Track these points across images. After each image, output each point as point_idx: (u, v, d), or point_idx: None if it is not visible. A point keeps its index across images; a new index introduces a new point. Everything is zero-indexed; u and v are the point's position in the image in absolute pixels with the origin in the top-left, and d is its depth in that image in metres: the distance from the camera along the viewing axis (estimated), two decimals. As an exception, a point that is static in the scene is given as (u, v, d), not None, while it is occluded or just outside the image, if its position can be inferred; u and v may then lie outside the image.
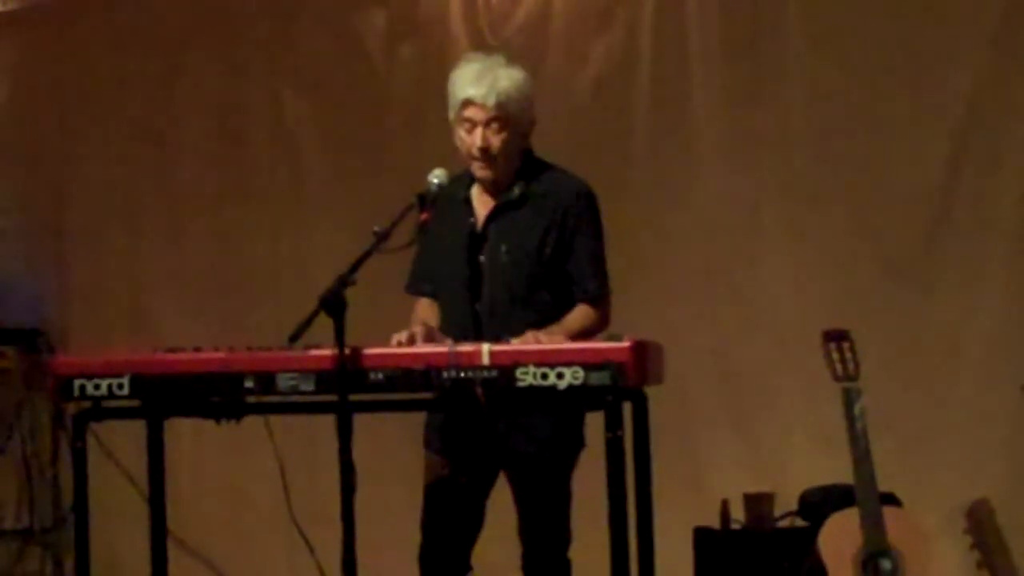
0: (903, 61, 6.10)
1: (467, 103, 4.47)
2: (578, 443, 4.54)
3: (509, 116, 4.46)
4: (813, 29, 6.23)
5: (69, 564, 6.94)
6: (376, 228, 4.24)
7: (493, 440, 4.46)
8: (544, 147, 4.63)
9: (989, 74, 6.03)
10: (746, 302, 6.29)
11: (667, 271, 6.31)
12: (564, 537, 4.56)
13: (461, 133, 4.50)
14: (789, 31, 6.26)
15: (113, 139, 7.13)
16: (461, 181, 4.57)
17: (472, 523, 4.59)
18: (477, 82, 4.46)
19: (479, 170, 4.51)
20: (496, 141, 4.46)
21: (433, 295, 4.65)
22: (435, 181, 4.43)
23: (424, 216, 4.38)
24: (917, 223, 6.12)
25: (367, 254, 4.19)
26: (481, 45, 6.47)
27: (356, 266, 4.15)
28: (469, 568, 4.59)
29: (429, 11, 6.79)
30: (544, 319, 4.42)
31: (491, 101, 4.44)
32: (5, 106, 7.32)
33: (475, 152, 4.48)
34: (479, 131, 4.46)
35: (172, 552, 4.70)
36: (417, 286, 4.69)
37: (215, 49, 7.04)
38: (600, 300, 4.53)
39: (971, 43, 6.04)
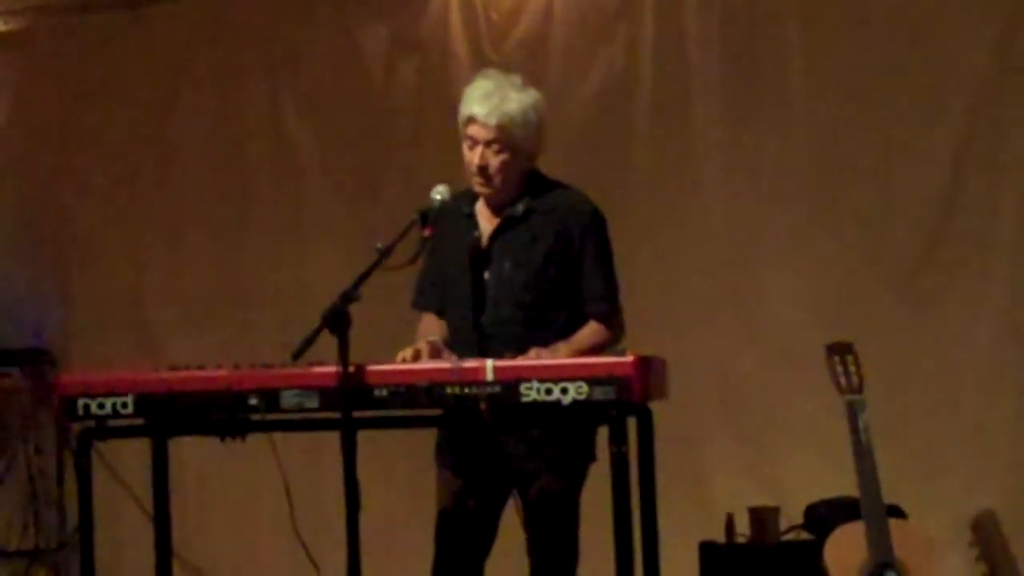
0: (902, 77, 6.10)
1: (471, 120, 4.47)
2: (588, 457, 4.51)
3: (511, 139, 4.45)
4: (813, 43, 6.23)
5: (74, 584, 6.95)
6: (379, 245, 4.24)
7: (503, 456, 4.46)
8: (544, 162, 4.62)
9: (988, 88, 6.04)
10: (750, 316, 6.29)
11: (669, 286, 6.31)
12: (572, 554, 4.54)
13: (464, 148, 4.51)
14: (789, 45, 6.27)
15: (114, 159, 7.13)
16: (465, 196, 4.58)
17: (485, 539, 4.58)
18: (484, 101, 4.45)
19: (477, 186, 4.52)
20: (495, 161, 4.46)
21: (439, 311, 4.64)
22: (437, 197, 4.43)
23: (427, 232, 4.38)
24: (919, 236, 6.12)
25: (370, 270, 4.19)
26: (482, 61, 6.47)
27: (359, 282, 4.14)
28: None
29: (430, 28, 6.79)
30: (556, 337, 4.41)
31: (492, 122, 4.44)
32: (7, 124, 7.33)
33: (473, 169, 4.49)
34: (479, 149, 4.46)
35: (177, 571, 4.69)
36: (423, 301, 4.68)
37: (216, 68, 7.05)
38: (610, 317, 4.53)
39: (970, 57, 6.04)
